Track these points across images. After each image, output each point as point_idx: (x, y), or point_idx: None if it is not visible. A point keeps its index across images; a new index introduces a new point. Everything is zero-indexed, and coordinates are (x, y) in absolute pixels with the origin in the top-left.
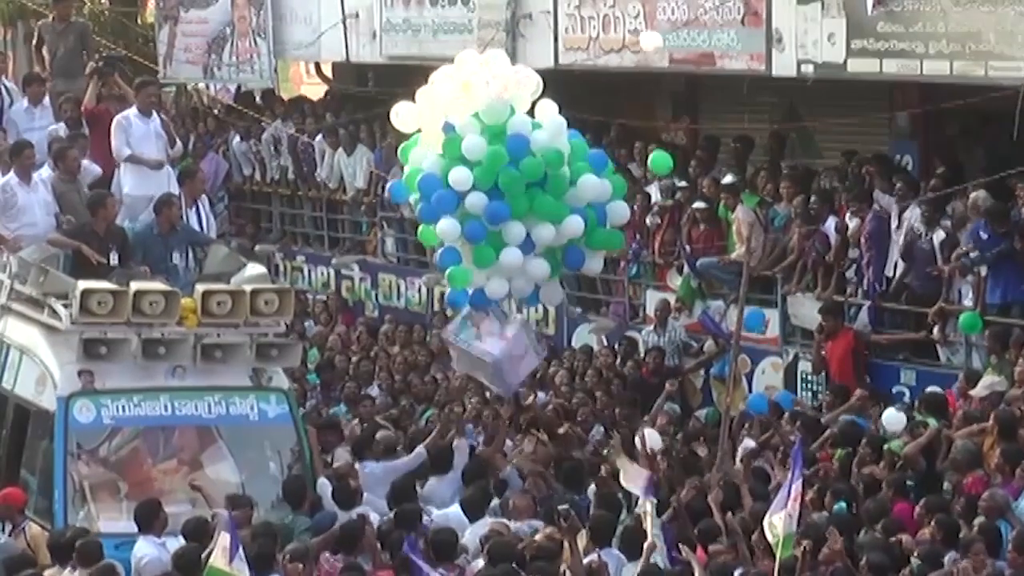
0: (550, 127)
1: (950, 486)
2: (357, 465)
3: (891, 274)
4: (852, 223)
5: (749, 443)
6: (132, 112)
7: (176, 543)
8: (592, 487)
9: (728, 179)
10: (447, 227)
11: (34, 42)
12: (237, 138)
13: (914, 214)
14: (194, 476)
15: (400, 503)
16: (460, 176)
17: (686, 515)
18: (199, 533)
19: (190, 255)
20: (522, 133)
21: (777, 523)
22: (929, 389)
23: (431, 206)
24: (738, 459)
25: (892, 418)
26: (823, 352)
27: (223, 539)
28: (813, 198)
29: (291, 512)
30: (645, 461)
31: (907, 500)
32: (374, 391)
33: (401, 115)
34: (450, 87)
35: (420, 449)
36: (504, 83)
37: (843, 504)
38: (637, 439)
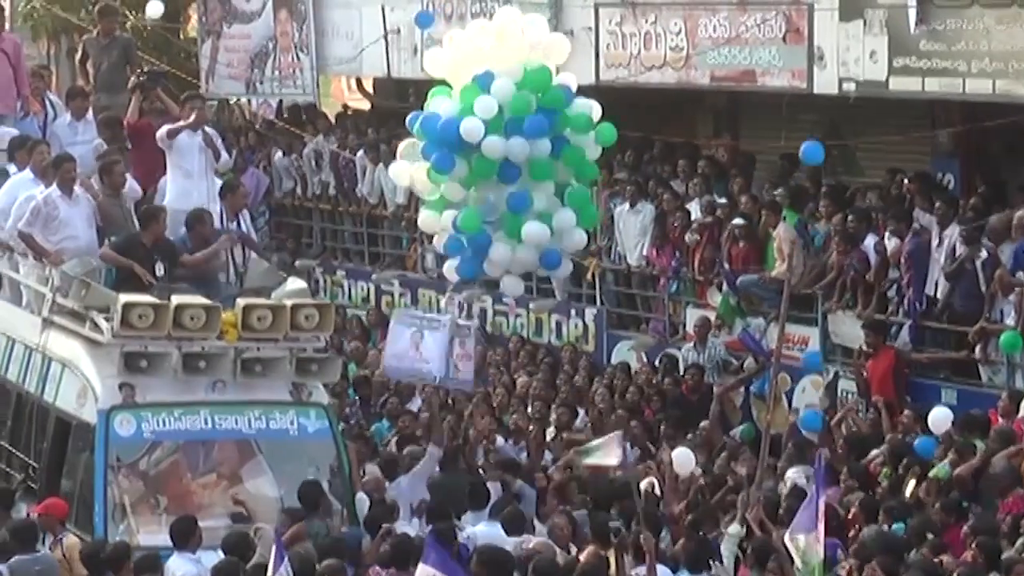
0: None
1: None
2: (388, 483)
3: (932, 293)
4: (891, 243)
5: (794, 474)
6: (179, 125)
7: (213, 557)
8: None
9: (779, 191)
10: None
11: (78, 57)
12: (279, 153)
13: (954, 233)
14: (235, 491)
15: (436, 520)
16: (472, 125)
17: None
18: (240, 548)
19: (236, 257)
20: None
21: (802, 545)
22: (972, 411)
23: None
24: (785, 485)
25: (940, 416)
26: (865, 372)
27: (273, 555)
28: (852, 216)
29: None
30: (672, 483)
31: (959, 522)
32: (415, 405)
33: (434, 60)
34: (485, 36)
35: (431, 449)
36: (537, 42)
37: (901, 524)
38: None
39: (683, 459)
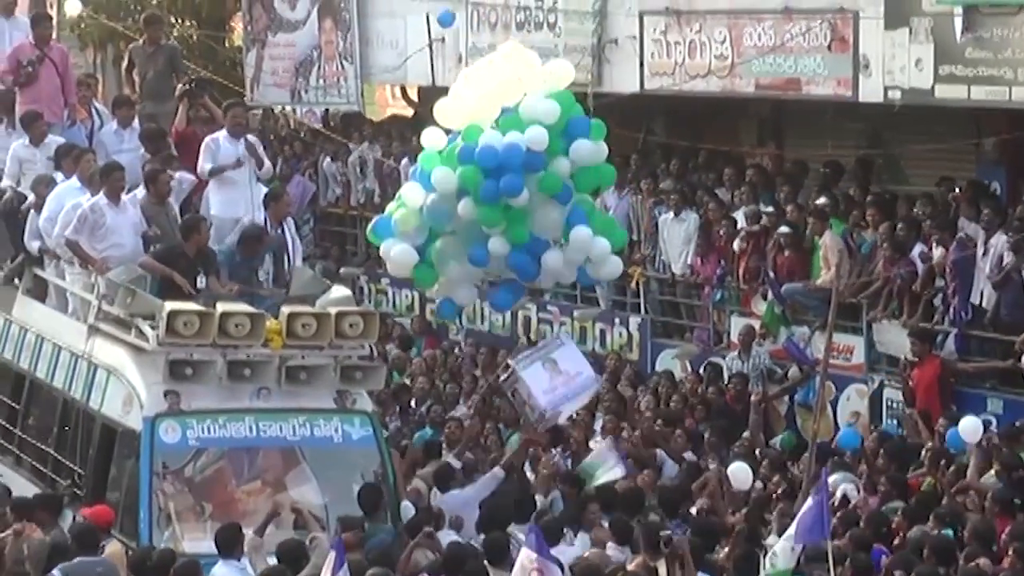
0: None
1: None
2: (439, 496)
3: (977, 302)
4: (937, 251)
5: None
6: (222, 134)
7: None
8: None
9: (822, 200)
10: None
11: (124, 65)
12: (327, 159)
13: (1000, 241)
14: (280, 498)
15: (489, 531)
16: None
17: None
18: (294, 556)
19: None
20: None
21: (780, 552)
22: (1020, 421)
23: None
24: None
25: (969, 426)
26: (911, 382)
27: (329, 562)
28: (900, 225)
29: (365, 519)
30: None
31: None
32: (459, 412)
33: (445, 111)
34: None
35: (496, 470)
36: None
37: (950, 532)
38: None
39: (740, 474)
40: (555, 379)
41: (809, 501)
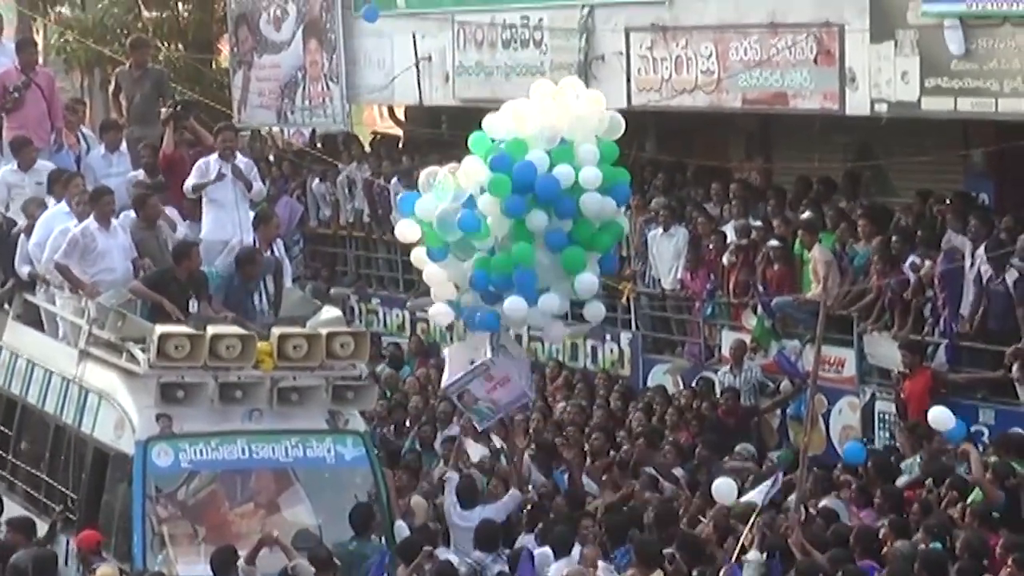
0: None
1: None
2: (458, 511)
3: (966, 313)
4: (925, 263)
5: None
6: (213, 157)
7: None
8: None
9: (807, 215)
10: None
11: (111, 89)
12: (316, 179)
13: (978, 254)
14: (271, 524)
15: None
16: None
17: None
18: None
19: (269, 285)
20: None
21: None
22: (1012, 430)
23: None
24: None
25: (940, 416)
26: (902, 393)
27: None
28: (895, 237)
29: (355, 539)
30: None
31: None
32: (453, 431)
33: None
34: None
35: (513, 491)
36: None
37: (939, 544)
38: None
39: (724, 488)
40: (491, 384)
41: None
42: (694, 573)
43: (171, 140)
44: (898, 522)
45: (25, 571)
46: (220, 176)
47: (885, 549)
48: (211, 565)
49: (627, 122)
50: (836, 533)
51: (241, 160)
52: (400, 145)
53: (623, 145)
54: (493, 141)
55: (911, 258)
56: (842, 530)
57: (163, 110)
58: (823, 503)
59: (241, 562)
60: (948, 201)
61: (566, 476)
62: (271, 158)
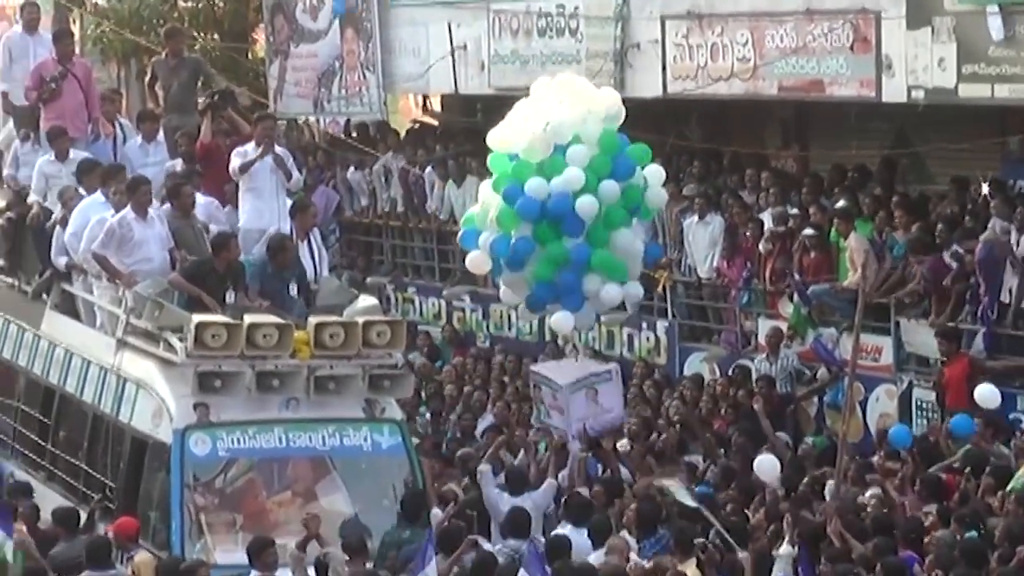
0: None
1: None
2: (505, 498)
3: (1007, 300)
4: (964, 250)
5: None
6: (250, 146)
7: None
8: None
9: (841, 203)
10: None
11: (147, 79)
12: (352, 168)
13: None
14: (308, 512)
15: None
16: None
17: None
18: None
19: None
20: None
21: None
22: None
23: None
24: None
25: (986, 394)
26: (943, 380)
27: None
28: (940, 225)
29: (409, 527)
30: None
31: None
32: (487, 421)
33: (498, 138)
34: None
35: (550, 480)
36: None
37: (975, 533)
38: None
39: (766, 466)
40: (591, 409)
41: None
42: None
43: (209, 130)
44: (944, 511)
45: (79, 559)
46: (263, 155)
47: (927, 539)
48: (248, 554)
49: (663, 110)
50: (876, 521)
51: (279, 150)
52: (436, 134)
53: (658, 133)
54: (510, 159)
55: (953, 246)
56: (882, 518)
57: (200, 100)
58: (870, 491)
59: (292, 548)
60: (989, 188)
61: (600, 465)
62: (306, 147)
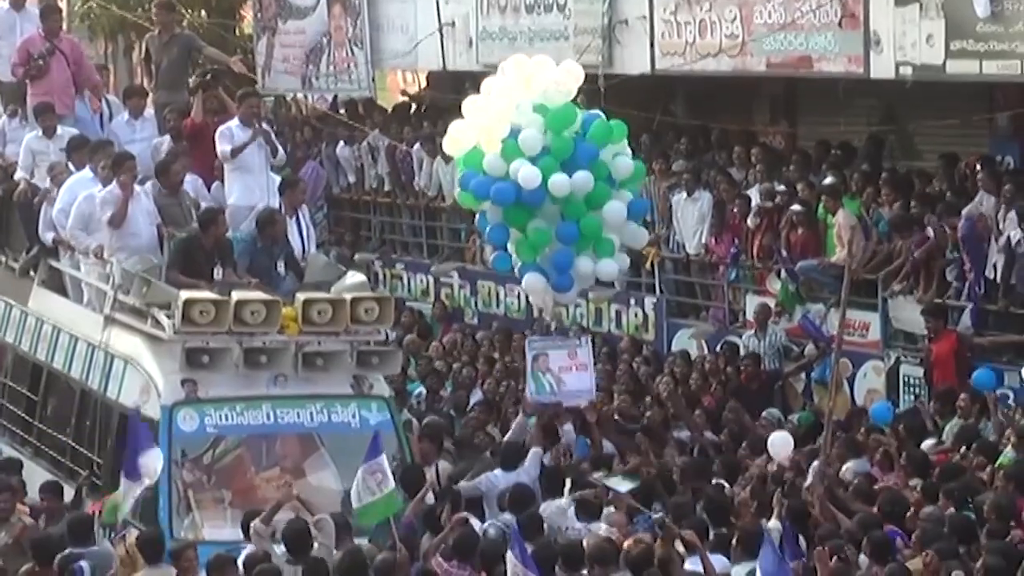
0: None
1: None
2: (490, 473)
3: (992, 276)
4: (948, 227)
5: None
6: (234, 123)
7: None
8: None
9: (829, 180)
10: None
11: (142, 55)
12: (341, 143)
13: (1009, 217)
14: (296, 489)
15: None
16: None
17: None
18: (301, 540)
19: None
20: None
21: None
22: None
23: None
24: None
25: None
26: (930, 357)
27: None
28: (913, 203)
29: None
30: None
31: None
32: (476, 397)
33: (453, 137)
34: (499, 90)
35: (535, 449)
36: (544, 86)
37: (971, 514)
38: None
39: (779, 442)
40: (572, 362)
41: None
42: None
43: (200, 109)
44: (930, 487)
45: (61, 536)
46: (253, 137)
47: (910, 513)
48: (242, 527)
49: (651, 86)
50: (859, 492)
51: (264, 127)
52: (423, 110)
53: (646, 110)
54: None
55: (933, 219)
56: (865, 488)
57: (192, 79)
58: (848, 465)
59: (256, 522)
60: (979, 164)
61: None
62: (294, 123)
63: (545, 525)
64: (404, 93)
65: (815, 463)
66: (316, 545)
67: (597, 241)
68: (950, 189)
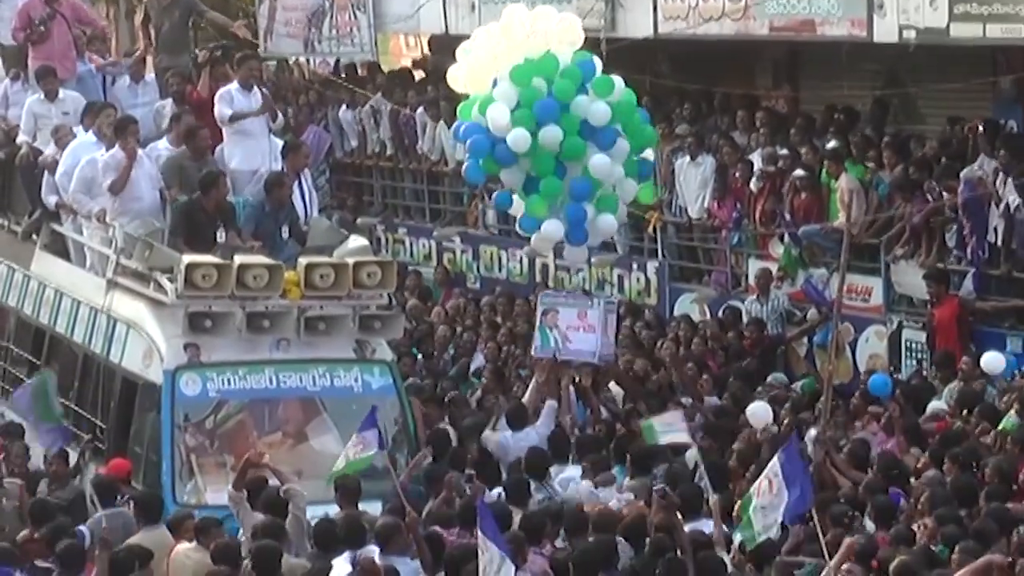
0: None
1: None
2: (501, 435)
3: (993, 240)
4: (946, 192)
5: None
6: (233, 86)
7: None
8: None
9: (832, 144)
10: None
11: (140, 19)
12: (343, 107)
13: (1008, 182)
14: (298, 453)
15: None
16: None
17: None
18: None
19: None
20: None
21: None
22: None
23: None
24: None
25: (992, 362)
26: (932, 322)
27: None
28: (911, 168)
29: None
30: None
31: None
32: (478, 362)
33: (455, 76)
34: (493, 39)
35: (550, 402)
36: (545, 38)
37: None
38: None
39: (760, 412)
40: (580, 323)
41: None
42: None
43: (207, 84)
44: (936, 451)
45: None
46: (259, 113)
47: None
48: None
49: (653, 50)
50: (853, 454)
51: (263, 91)
52: (425, 75)
53: (649, 74)
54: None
55: (932, 183)
56: (862, 452)
57: (201, 53)
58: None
59: (229, 488)
60: (980, 129)
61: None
62: (297, 87)
63: (546, 491)
64: (414, 64)
65: (812, 430)
66: (289, 514)
67: (602, 197)
68: (947, 153)
